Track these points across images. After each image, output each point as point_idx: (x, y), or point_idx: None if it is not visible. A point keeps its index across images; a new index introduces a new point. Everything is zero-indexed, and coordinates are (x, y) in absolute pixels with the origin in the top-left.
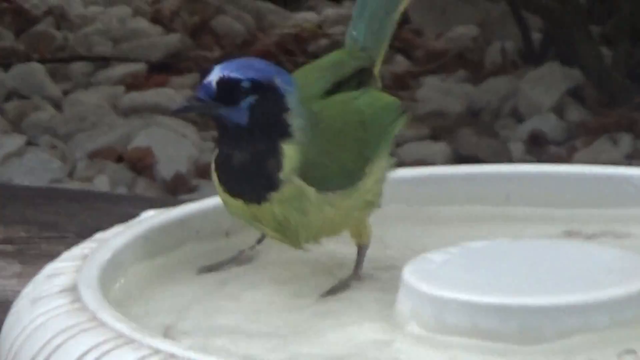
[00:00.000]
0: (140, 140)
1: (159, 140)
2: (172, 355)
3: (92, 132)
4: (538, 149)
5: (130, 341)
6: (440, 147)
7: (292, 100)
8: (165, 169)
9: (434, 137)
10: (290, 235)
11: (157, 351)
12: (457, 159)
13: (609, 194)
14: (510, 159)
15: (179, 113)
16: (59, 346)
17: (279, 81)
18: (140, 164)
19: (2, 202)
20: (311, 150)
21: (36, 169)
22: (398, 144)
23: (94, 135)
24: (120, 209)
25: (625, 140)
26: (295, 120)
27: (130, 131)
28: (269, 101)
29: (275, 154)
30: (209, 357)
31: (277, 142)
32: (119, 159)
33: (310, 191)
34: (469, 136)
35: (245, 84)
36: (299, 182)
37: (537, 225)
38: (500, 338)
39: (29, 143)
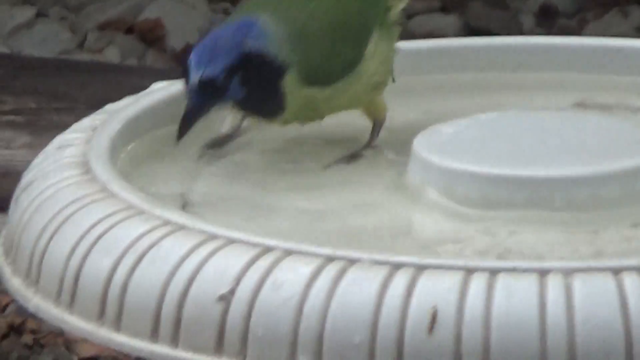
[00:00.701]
0: (150, 12)
1: (169, 12)
2: (183, 226)
3: (102, 3)
4: (549, 21)
5: (140, 212)
6: (451, 20)
7: (271, 44)
8: (176, 40)
9: (445, 9)
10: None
11: (167, 222)
12: (467, 32)
13: (620, 66)
14: (521, 32)
15: (186, 129)
16: (69, 217)
17: (249, 46)
18: (150, 35)
19: (12, 73)
20: (305, 63)
21: (46, 40)
22: (408, 16)
23: (104, 7)
24: (130, 80)
25: (636, 13)
26: (282, 52)
27: (140, 2)
28: (252, 66)
29: (277, 94)
30: (219, 229)
31: (277, 85)
32: (129, 30)
33: (315, 92)
34: (480, 8)
35: (222, 75)
36: (301, 95)
37: (549, 94)
38: (511, 207)
39: (39, 14)
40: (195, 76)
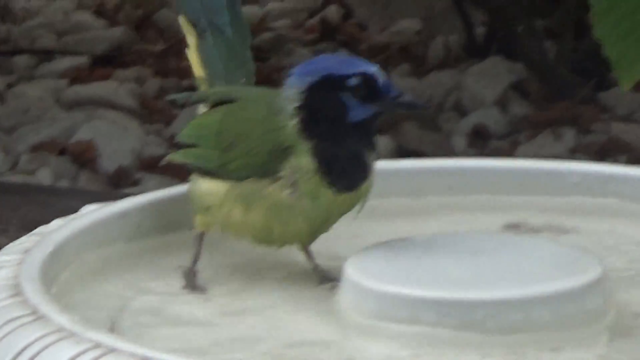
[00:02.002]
0: (83, 134)
1: (102, 134)
2: (113, 349)
3: (35, 125)
4: (481, 142)
5: (70, 335)
6: (384, 141)
7: None
8: (108, 162)
9: (378, 130)
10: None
11: (97, 345)
12: (400, 153)
13: (551, 187)
14: (453, 153)
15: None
16: (0, 339)
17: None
18: (83, 157)
19: None
20: None
21: None
22: None
23: (37, 128)
24: (62, 202)
25: (569, 134)
26: None
27: (73, 124)
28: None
29: (373, 146)
30: (150, 351)
31: (374, 134)
32: (62, 152)
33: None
34: (413, 130)
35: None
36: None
37: (480, 216)
38: (439, 329)
39: None
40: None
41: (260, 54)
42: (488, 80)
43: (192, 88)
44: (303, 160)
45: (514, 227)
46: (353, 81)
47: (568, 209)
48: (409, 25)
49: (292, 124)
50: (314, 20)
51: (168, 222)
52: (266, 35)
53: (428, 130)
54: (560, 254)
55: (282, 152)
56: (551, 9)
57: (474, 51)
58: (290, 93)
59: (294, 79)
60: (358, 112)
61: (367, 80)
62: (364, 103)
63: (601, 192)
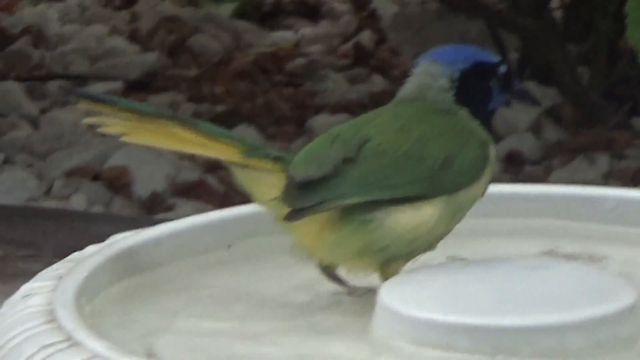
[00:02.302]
0: (116, 159)
1: (135, 159)
2: None
3: (69, 150)
4: (515, 168)
5: None
6: None
7: None
8: (142, 188)
9: None
10: None
11: None
12: None
13: (585, 213)
14: None
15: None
16: None
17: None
18: (116, 183)
19: None
20: None
21: (13, 188)
22: None
23: (71, 154)
24: (96, 228)
25: (602, 160)
26: None
27: (107, 150)
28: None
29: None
30: None
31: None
32: (96, 177)
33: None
34: None
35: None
36: None
37: (515, 242)
38: (477, 355)
39: (6, 161)
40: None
41: (293, 80)
42: (522, 105)
43: (224, 113)
44: (493, 151)
45: (548, 253)
46: (503, 69)
47: (602, 235)
48: None
49: (467, 116)
50: (348, 46)
51: (202, 246)
52: (299, 61)
53: None
54: (594, 280)
55: (486, 149)
56: (584, 35)
57: None
58: (442, 84)
59: (439, 67)
60: (497, 99)
61: (510, 71)
62: (502, 91)
63: (635, 219)
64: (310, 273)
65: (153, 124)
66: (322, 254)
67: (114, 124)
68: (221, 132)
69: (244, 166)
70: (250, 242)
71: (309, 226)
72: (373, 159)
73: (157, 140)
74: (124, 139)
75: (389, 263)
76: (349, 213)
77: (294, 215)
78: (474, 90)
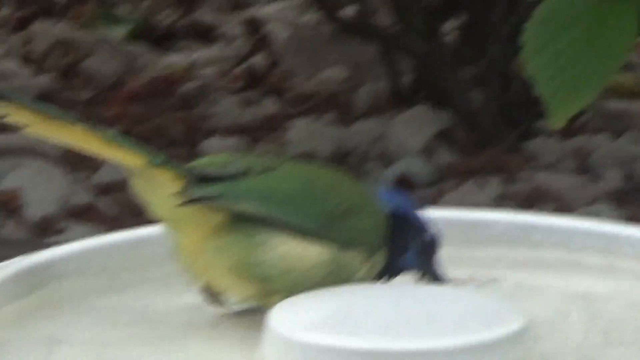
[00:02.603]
0: (8, 182)
1: (27, 182)
2: None
3: None
4: (406, 191)
5: None
6: None
7: None
8: (34, 211)
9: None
10: None
11: None
12: None
13: (476, 237)
14: None
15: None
16: None
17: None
18: (8, 206)
19: None
20: None
21: None
22: None
23: None
24: None
25: (494, 183)
26: None
27: None
28: None
29: None
30: None
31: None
32: None
33: None
34: None
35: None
36: None
37: None
38: None
39: None
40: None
41: (186, 103)
42: (414, 128)
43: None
44: (380, 260)
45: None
46: (427, 237)
47: (493, 259)
48: (335, 73)
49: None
50: (241, 69)
51: (91, 269)
52: (192, 84)
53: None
54: (484, 305)
55: (380, 245)
56: (478, 58)
57: (401, 99)
58: (384, 207)
59: (388, 195)
60: (408, 261)
61: (432, 242)
62: (417, 258)
63: (526, 242)
64: (197, 296)
65: (60, 124)
66: (202, 263)
67: (19, 116)
68: (126, 140)
69: (146, 174)
70: (138, 266)
71: (196, 230)
72: (279, 178)
73: (61, 136)
74: (28, 131)
75: (267, 294)
76: (237, 223)
77: (188, 202)
78: (398, 235)
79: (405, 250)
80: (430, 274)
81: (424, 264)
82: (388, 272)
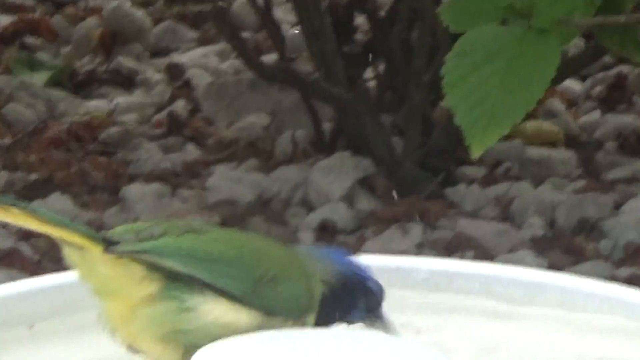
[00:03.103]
0: None
1: None
2: None
3: None
4: (328, 238)
5: None
6: None
7: None
8: None
9: (225, 225)
10: None
11: None
12: None
13: (399, 283)
14: None
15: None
16: None
17: None
18: None
19: None
20: None
21: None
22: None
23: None
24: None
25: (416, 230)
26: None
27: None
28: None
29: None
30: None
31: None
32: None
33: None
34: (260, 225)
35: None
36: None
37: None
38: None
39: None
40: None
41: (107, 148)
42: (335, 175)
43: (38, 182)
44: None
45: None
46: (374, 289)
47: (416, 305)
48: (256, 120)
49: (318, 295)
50: (162, 115)
51: (11, 315)
52: (114, 130)
53: (275, 225)
54: (407, 351)
55: (309, 310)
56: (398, 105)
57: (322, 146)
58: (321, 268)
59: (326, 258)
60: (355, 315)
61: (377, 298)
62: (364, 311)
63: (448, 288)
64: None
65: None
66: (131, 330)
67: None
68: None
69: (73, 245)
70: (58, 313)
71: (124, 295)
72: (201, 241)
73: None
74: None
75: (189, 354)
76: (168, 290)
77: (112, 251)
78: (341, 296)
79: (354, 307)
80: (377, 324)
81: (372, 317)
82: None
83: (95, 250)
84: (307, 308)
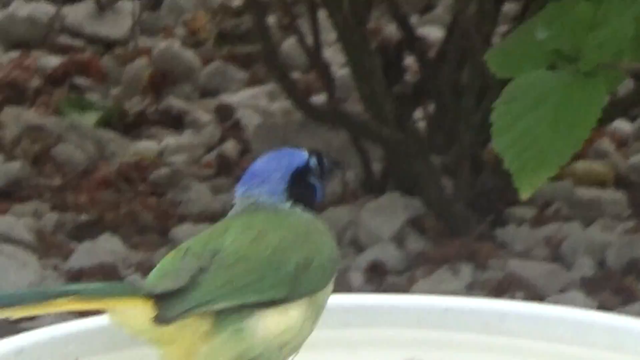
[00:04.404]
0: None
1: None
2: None
3: None
4: (378, 278)
5: None
6: None
7: None
8: None
9: None
10: None
11: None
12: None
13: (448, 323)
14: (350, 289)
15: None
16: None
17: None
18: None
19: None
20: None
21: None
22: None
23: None
24: None
25: (466, 271)
26: None
27: None
28: None
29: None
30: None
31: None
32: None
33: None
34: None
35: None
36: None
37: (377, 351)
38: None
39: None
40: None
41: (157, 189)
42: (385, 216)
43: (88, 222)
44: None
45: None
46: (313, 162)
47: (464, 345)
48: None
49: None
50: (211, 156)
51: (67, 355)
52: (163, 170)
53: None
54: None
55: (335, 247)
56: (448, 146)
57: (371, 187)
58: (274, 198)
59: (262, 185)
60: (319, 190)
61: (319, 159)
62: (321, 180)
63: (498, 329)
64: None
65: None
66: None
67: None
68: (91, 288)
69: (119, 309)
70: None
71: (181, 340)
72: (232, 266)
73: (48, 310)
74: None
75: None
76: (220, 322)
77: (164, 320)
78: (302, 190)
79: (314, 188)
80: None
81: (326, 177)
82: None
83: (145, 310)
84: (336, 257)
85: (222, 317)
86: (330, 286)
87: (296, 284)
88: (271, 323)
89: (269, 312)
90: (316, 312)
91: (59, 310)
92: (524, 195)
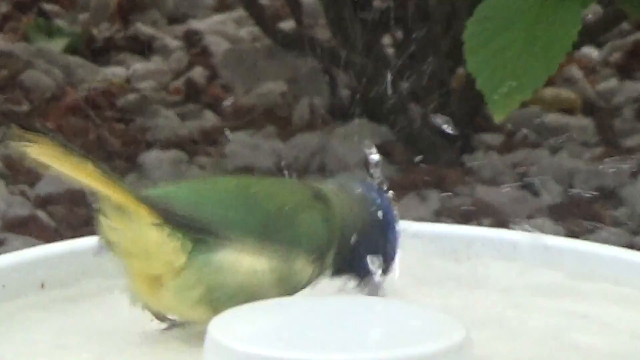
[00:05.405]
0: None
1: None
2: None
3: None
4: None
5: None
6: None
7: None
8: None
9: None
10: None
11: None
12: None
13: (416, 249)
14: None
15: None
16: None
17: None
18: None
19: None
20: None
21: None
22: None
23: None
24: None
25: (433, 197)
26: None
27: None
28: None
29: None
30: None
31: None
32: None
33: None
34: None
35: None
36: None
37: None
38: None
39: None
40: None
41: (125, 115)
42: (353, 142)
43: None
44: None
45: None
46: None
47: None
48: (274, 87)
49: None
50: (179, 82)
51: (41, 279)
52: (131, 97)
53: None
54: (424, 317)
55: (329, 245)
56: (417, 72)
57: (339, 113)
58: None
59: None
60: (361, 266)
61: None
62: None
63: (466, 255)
64: (134, 310)
65: (77, 163)
66: (161, 298)
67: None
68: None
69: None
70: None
71: (157, 266)
72: (214, 185)
73: (74, 173)
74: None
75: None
76: (195, 256)
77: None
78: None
79: (373, 253)
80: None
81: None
82: (356, 272)
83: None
84: (328, 242)
85: (196, 252)
86: (311, 269)
87: (272, 228)
88: (243, 259)
89: (241, 249)
90: (289, 276)
91: (82, 177)
92: (498, 119)
